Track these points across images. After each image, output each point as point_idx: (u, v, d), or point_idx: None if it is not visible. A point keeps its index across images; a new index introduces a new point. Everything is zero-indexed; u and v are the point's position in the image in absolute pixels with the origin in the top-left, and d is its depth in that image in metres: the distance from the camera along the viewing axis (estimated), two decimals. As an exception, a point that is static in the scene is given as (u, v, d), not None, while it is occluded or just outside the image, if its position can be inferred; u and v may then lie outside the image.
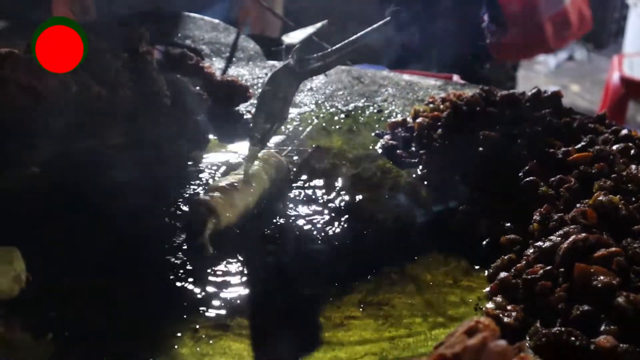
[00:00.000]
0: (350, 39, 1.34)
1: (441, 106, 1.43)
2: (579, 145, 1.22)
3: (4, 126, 1.23)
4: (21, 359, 0.87)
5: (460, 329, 0.74)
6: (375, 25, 1.36)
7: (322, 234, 1.14)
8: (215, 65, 1.60)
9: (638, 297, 0.92)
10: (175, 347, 0.90)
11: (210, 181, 1.23)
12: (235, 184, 1.15)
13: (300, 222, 1.16)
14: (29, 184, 1.21)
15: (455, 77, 2.25)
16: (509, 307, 0.98)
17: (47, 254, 1.02)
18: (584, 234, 1.02)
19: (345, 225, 1.16)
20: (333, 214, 1.18)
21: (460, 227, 1.17)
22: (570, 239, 1.01)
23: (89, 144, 1.30)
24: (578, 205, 1.09)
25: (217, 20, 1.73)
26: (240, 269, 1.04)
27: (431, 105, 1.44)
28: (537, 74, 6.60)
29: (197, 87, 1.42)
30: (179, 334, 0.92)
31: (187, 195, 1.18)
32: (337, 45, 1.32)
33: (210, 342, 0.91)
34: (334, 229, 1.15)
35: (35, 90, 1.28)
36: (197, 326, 0.93)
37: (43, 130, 1.25)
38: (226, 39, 1.69)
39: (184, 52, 1.49)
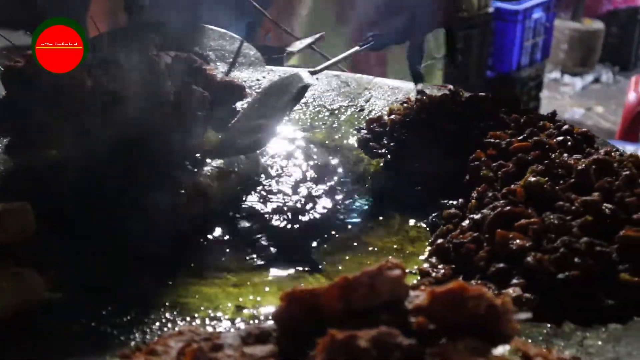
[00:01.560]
0: (342, 56, 1.66)
1: (414, 106, 1.61)
2: (521, 137, 1.39)
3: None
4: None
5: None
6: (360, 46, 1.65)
7: (295, 206, 1.33)
8: (220, 70, 1.80)
9: (544, 257, 1.09)
10: (155, 292, 1.09)
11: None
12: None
13: (273, 197, 1.35)
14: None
15: (450, 87, 2.42)
16: (439, 266, 1.15)
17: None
18: (508, 207, 1.19)
19: (315, 201, 1.35)
20: (305, 191, 1.37)
21: (415, 204, 1.35)
22: (496, 211, 1.19)
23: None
24: (512, 186, 1.27)
25: (223, 30, 1.93)
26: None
27: (405, 105, 1.62)
28: (563, 95, 6.72)
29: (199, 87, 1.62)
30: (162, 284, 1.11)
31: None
32: (331, 61, 1.65)
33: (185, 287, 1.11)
34: (305, 202, 1.35)
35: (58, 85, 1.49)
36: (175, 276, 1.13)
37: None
38: (231, 46, 1.89)
39: (189, 56, 1.69)
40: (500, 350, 0.82)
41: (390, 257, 1.11)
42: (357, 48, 1.70)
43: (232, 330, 0.95)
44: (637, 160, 1.37)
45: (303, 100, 1.72)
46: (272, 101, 1.51)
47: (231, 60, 1.85)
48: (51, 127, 1.46)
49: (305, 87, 1.53)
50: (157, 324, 1.01)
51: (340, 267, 1.18)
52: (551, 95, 6.72)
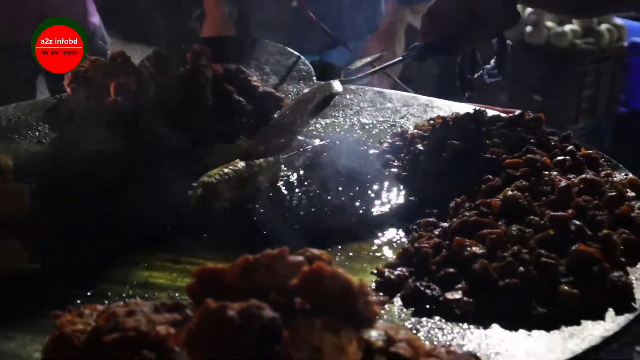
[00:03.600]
0: (384, 65, 1.78)
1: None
2: (517, 154, 1.41)
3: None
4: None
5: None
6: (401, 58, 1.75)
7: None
8: (271, 82, 1.92)
9: (490, 264, 1.12)
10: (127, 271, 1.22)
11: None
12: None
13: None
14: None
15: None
16: (398, 269, 1.21)
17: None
18: (475, 217, 1.23)
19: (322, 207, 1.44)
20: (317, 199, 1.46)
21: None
22: (461, 219, 1.23)
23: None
24: (494, 198, 1.30)
25: (282, 46, 2.06)
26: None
27: (431, 121, 1.68)
28: None
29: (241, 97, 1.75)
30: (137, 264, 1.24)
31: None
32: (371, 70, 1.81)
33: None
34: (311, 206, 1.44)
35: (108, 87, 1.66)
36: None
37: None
38: (286, 61, 2.01)
39: (239, 68, 1.83)
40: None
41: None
42: (398, 59, 1.77)
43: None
44: (633, 183, 1.36)
45: (340, 114, 1.81)
46: (301, 108, 1.61)
47: (284, 73, 1.96)
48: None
49: (332, 95, 1.61)
50: (117, 298, 1.13)
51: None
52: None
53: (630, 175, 1.45)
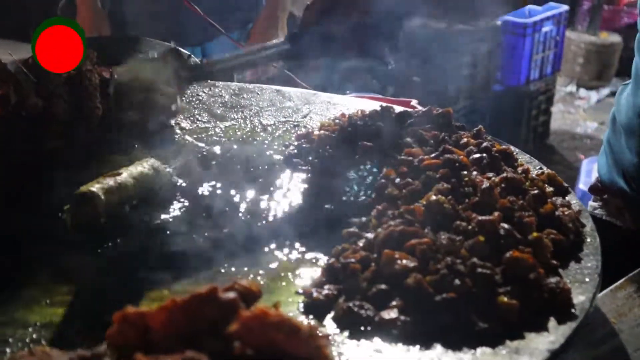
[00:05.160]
0: (254, 48, 1.69)
1: (344, 122, 1.59)
2: (433, 154, 1.36)
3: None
4: None
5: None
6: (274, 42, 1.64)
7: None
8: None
9: (424, 278, 1.06)
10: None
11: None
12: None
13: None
14: None
15: (414, 102, 2.40)
16: (325, 287, 1.13)
17: None
18: (401, 227, 1.17)
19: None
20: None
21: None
22: (387, 230, 1.16)
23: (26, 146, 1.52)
24: (416, 204, 1.24)
25: (169, 44, 1.94)
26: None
27: (337, 121, 1.60)
28: (577, 109, 6.64)
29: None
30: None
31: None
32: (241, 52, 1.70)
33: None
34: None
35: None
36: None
37: None
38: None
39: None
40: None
41: (240, 277, 1.09)
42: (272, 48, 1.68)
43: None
44: (552, 178, 1.34)
45: (240, 115, 1.72)
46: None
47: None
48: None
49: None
50: (20, 344, 1.01)
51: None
52: (565, 108, 6.64)
53: (545, 169, 1.43)
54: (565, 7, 5.83)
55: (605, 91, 6.91)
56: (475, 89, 5.36)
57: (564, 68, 6.36)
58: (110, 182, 1.30)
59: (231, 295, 0.85)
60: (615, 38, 7.00)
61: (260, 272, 1.21)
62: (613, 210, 1.83)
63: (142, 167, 1.37)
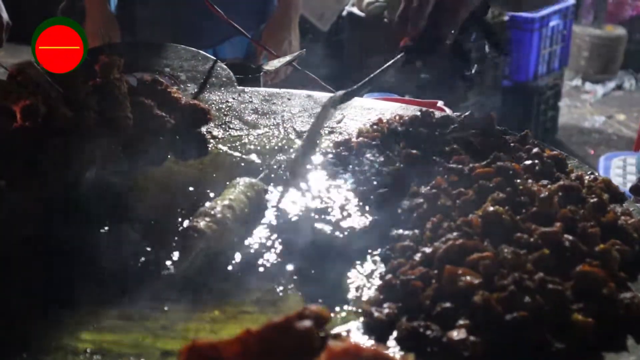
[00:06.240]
0: (374, 74, 1.67)
1: (384, 128, 1.54)
2: (484, 162, 1.31)
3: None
4: None
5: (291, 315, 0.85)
6: (390, 62, 1.64)
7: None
8: (188, 91, 1.75)
9: (491, 296, 1.02)
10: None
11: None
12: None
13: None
14: None
15: (440, 103, 2.35)
16: (385, 305, 1.08)
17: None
18: (461, 240, 1.12)
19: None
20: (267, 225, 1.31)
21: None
22: (447, 244, 1.12)
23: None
24: (470, 215, 1.19)
25: (196, 50, 1.89)
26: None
27: (375, 127, 1.56)
28: (583, 103, 6.59)
29: (162, 111, 1.57)
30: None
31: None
32: (365, 80, 1.68)
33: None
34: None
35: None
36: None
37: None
38: (203, 66, 1.84)
39: (155, 78, 1.64)
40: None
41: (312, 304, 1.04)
42: (386, 65, 1.65)
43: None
44: (608, 185, 1.30)
45: (272, 122, 1.67)
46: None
47: (202, 80, 1.79)
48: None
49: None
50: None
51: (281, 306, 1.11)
52: (571, 103, 6.59)
53: (597, 174, 1.38)
54: (571, 1, 5.78)
55: (611, 84, 6.87)
56: (484, 85, 5.31)
57: (570, 62, 6.30)
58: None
59: (307, 323, 0.80)
60: (620, 31, 6.95)
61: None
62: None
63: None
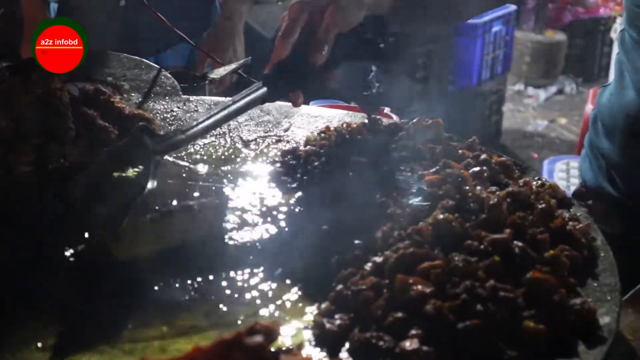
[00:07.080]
0: (222, 107, 1.34)
1: (332, 136, 1.53)
2: (433, 169, 1.31)
3: None
4: None
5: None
6: (248, 92, 1.38)
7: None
8: (133, 100, 1.71)
9: (443, 304, 1.01)
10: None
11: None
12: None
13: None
14: None
15: (387, 110, 2.35)
16: (336, 316, 1.07)
17: None
18: (411, 249, 1.11)
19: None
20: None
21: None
22: (398, 253, 1.11)
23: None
24: (420, 223, 1.18)
25: (139, 58, 1.85)
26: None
27: (322, 134, 1.54)
28: (526, 107, 6.69)
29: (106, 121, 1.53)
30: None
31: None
32: (203, 118, 1.30)
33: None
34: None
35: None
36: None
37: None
38: (146, 75, 1.80)
39: (98, 88, 1.61)
40: None
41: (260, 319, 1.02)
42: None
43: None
44: (555, 190, 1.30)
45: (218, 131, 1.64)
46: None
47: (146, 90, 1.76)
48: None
49: None
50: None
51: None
52: (514, 107, 6.69)
53: (544, 179, 1.39)
54: (513, 7, 5.87)
55: (553, 89, 6.99)
56: (429, 90, 5.35)
57: (512, 67, 6.40)
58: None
59: (258, 339, 0.79)
60: (561, 36, 7.08)
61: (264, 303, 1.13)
62: (599, 216, 1.80)
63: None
